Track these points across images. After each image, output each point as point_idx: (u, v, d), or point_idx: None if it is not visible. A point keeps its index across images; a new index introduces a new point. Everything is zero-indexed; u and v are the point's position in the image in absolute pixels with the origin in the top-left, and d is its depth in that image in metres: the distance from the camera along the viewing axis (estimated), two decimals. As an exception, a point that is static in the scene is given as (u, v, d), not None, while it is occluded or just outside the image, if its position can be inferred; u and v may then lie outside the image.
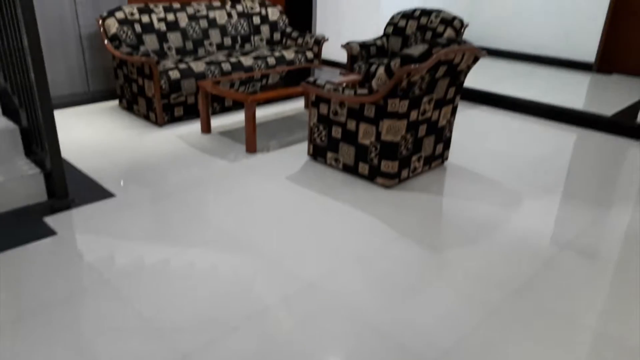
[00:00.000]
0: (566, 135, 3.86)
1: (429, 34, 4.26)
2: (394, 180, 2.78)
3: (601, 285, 1.99)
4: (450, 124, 3.03)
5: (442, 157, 3.12)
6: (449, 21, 4.17)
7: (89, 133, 3.58)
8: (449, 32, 4.12)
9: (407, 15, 4.46)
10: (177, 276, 1.96)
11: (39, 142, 2.51)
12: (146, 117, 3.84)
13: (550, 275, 2.05)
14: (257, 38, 4.76)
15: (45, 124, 2.33)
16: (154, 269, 2.00)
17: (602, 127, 3.95)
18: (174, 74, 3.67)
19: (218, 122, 3.91)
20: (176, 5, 4.27)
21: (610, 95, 4.75)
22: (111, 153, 3.23)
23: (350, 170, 2.94)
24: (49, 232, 2.25)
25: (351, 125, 2.83)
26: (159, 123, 3.72)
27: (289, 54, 4.46)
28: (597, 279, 2.03)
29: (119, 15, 3.91)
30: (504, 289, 1.94)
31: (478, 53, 2.74)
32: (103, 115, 4.00)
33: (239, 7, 4.66)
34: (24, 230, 2.26)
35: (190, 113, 3.89)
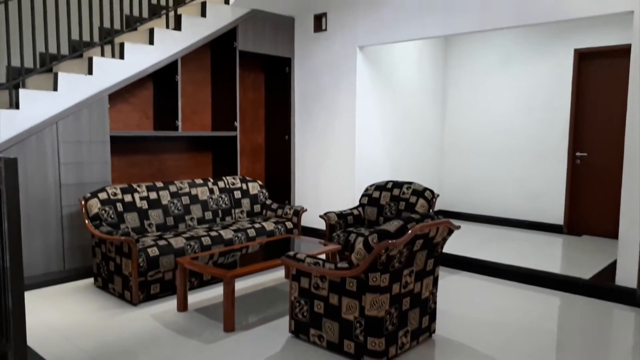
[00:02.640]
0: (548, 300, 3.84)
1: (402, 204, 4.45)
2: (381, 359, 2.64)
3: None
4: (433, 295, 3.00)
5: (429, 330, 3.02)
6: (420, 192, 4.40)
7: (59, 316, 3.41)
8: (421, 202, 4.32)
9: (380, 187, 4.70)
10: None
11: (4, 333, 2.36)
12: (121, 296, 3.72)
13: None
14: (237, 211, 4.89)
15: (13, 316, 2.22)
16: None
17: (581, 290, 3.96)
18: (153, 251, 3.66)
19: (196, 297, 3.80)
20: (159, 184, 4.44)
21: (584, 257, 4.86)
22: (81, 338, 3.04)
23: (335, 348, 2.80)
24: None
25: (333, 299, 2.77)
26: (134, 302, 3.59)
27: (269, 225, 4.55)
28: None
29: (102, 195, 4.02)
30: None
31: (452, 227, 2.84)
32: (77, 295, 3.86)
33: (221, 183, 4.87)
34: None
35: (167, 289, 3.79)
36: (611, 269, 4.24)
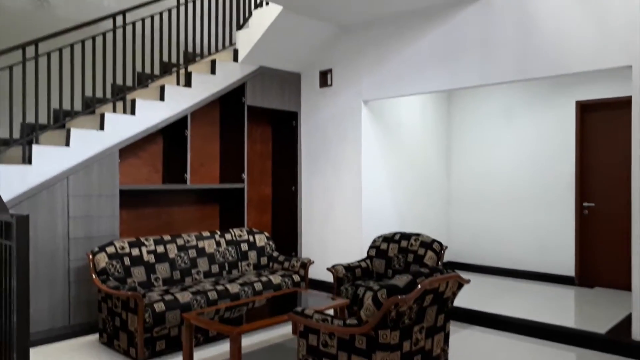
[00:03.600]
0: (565, 356, 3.73)
1: (410, 256, 4.41)
2: (392, 420, 2.55)
3: None
4: (445, 352, 2.93)
5: (441, 388, 2.93)
6: (429, 244, 4.37)
7: (61, 374, 3.34)
8: (430, 255, 4.28)
9: (388, 238, 4.68)
10: None
11: (6, 394, 2.31)
12: (126, 353, 3.65)
13: None
14: (244, 264, 4.86)
15: (16, 375, 2.18)
16: None
17: (598, 346, 3.85)
18: (159, 307, 3.62)
19: (202, 354, 3.72)
20: (167, 237, 4.45)
21: (598, 310, 4.75)
22: (83, 398, 2.96)
23: (344, 409, 2.71)
24: None
25: (343, 358, 2.71)
26: (139, 359, 3.52)
27: (276, 278, 4.51)
28: None
29: (110, 249, 4.02)
30: None
31: (462, 280, 2.81)
32: (81, 352, 3.79)
33: (228, 236, 4.87)
34: None
35: (173, 346, 3.72)
36: (627, 322, 4.13)
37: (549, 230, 6.06)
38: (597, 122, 5.76)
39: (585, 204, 5.82)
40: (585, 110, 5.83)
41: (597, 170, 5.76)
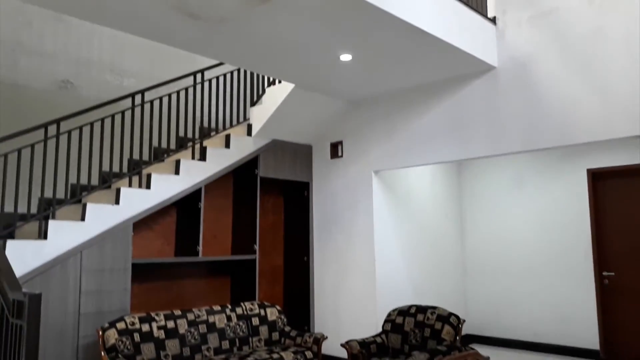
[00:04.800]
0: None
1: (427, 331, 4.28)
2: None
3: None
4: None
5: None
6: (446, 317, 4.25)
7: None
8: (447, 329, 4.15)
9: (404, 312, 4.56)
10: None
11: None
12: None
13: None
14: (255, 339, 4.74)
15: None
16: None
17: None
18: (168, 386, 3.51)
19: None
20: (177, 312, 4.39)
21: (627, 387, 4.50)
22: None
23: None
24: None
25: None
26: None
27: (288, 356, 4.37)
28: None
29: (120, 325, 3.96)
30: None
31: (480, 358, 2.70)
32: None
33: (239, 310, 4.79)
34: None
35: None
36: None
37: (569, 301, 5.87)
38: (610, 189, 5.74)
39: (604, 273, 5.67)
40: (597, 178, 5.83)
41: (615, 239, 5.66)
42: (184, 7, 3.36)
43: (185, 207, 5.19)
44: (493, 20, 4.71)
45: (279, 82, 5.41)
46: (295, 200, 6.23)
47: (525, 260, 6.30)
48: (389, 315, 4.66)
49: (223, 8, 3.39)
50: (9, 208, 4.20)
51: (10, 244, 3.77)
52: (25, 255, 3.84)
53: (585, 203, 5.84)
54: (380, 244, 5.48)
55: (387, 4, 3.51)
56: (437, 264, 6.42)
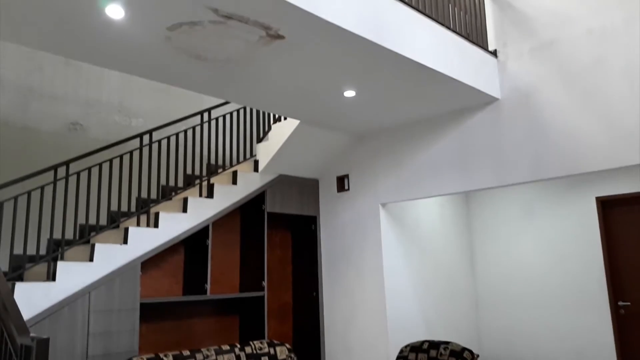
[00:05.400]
0: None
1: (440, 367, 4.18)
2: None
3: None
4: None
5: None
6: (459, 353, 4.16)
7: None
8: (461, 365, 4.06)
9: (416, 348, 4.47)
10: None
11: None
12: None
13: None
14: (265, 379, 4.64)
15: None
16: None
17: None
18: None
19: None
20: (186, 352, 4.32)
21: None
22: None
23: None
24: None
25: None
26: None
27: (299, 396, 4.27)
28: None
29: (129, 367, 3.91)
30: None
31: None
32: None
33: (248, 349, 4.71)
34: None
35: None
36: None
37: (584, 332, 5.74)
38: (621, 217, 5.68)
39: (620, 302, 5.56)
40: (607, 206, 5.78)
41: (628, 267, 5.57)
42: (190, 50, 3.45)
43: (192, 244, 5.18)
44: (494, 53, 4.78)
45: (285, 118, 5.48)
46: (303, 235, 6.21)
47: (538, 291, 6.20)
48: (401, 351, 4.57)
49: (229, 50, 3.48)
50: (18, 250, 4.22)
51: (19, 287, 3.76)
52: (33, 298, 3.83)
53: (596, 231, 5.78)
54: (390, 278, 5.42)
55: (389, 42, 3.58)
56: (449, 297, 6.32)
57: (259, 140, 5.89)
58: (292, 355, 4.95)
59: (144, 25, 3.14)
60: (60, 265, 4.03)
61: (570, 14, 4.38)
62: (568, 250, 5.98)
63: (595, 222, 5.80)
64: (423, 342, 4.50)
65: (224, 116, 5.59)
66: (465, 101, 4.75)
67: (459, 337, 6.30)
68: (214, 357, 4.45)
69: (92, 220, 4.79)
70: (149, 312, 4.80)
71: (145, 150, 4.94)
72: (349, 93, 4.36)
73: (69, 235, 4.71)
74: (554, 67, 4.43)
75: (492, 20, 4.88)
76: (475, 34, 4.65)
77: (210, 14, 3.00)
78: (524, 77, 4.60)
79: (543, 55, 4.50)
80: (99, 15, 2.99)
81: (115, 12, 2.95)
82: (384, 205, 5.56)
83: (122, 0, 2.84)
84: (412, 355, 4.44)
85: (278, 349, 4.91)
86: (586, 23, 4.27)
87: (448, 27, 4.25)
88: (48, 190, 4.33)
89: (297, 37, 3.35)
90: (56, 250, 4.23)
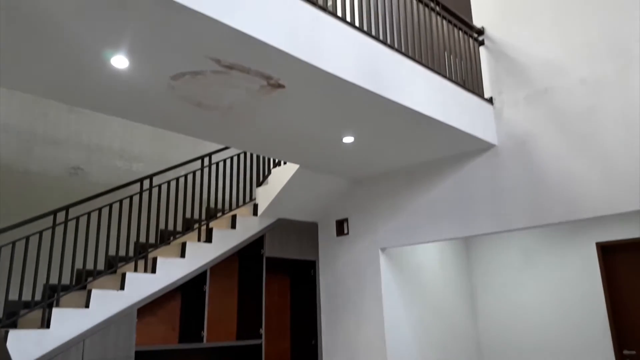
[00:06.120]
0: None
1: (443, 420, 4.05)
2: None
3: None
4: None
5: None
6: (461, 405, 4.03)
7: None
8: (464, 418, 3.93)
9: (417, 399, 4.35)
10: None
11: None
12: None
13: None
14: None
15: None
16: None
17: None
18: None
19: None
20: (181, 403, 4.20)
21: None
22: None
23: None
24: None
25: None
26: None
27: None
28: None
29: (121, 419, 3.78)
30: None
31: None
32: None
33: (245, 399, 4.58)
34: None
35: None
36: None
37: (591, 382, 5.59)
38: (622, 263, 5.64)
39: (625, 351, 5.44)
40: (607, 252, 5.75)
41: (632, 314, 5.48)
42: (193, 98, 3.52)
43: (190, 290, 5.11)
44: (490, 101, 4.87)
45: (284, 163, 5.53)
46: (301, 280, 6.14)
47: (540, 339, 6.07)
48: (402, 402, 4.44)
49: (231, 98, 3.55)
50: (13, 296, 4.16)
51: (12, 334, 3.69)
52: (26, 346, 3.75)
53: (598, 277, 5.72)
54: (390, 325, 5.32)
55: (387, 91, 3.67)
56: (451, 345, 6.19)
57: (259, 184, 5.91)
58: (290, 406, 4.80)
59: (148, 75, 3.21)
60: (56, 312, 3.97)
61: (563, 64, 4.49)
62: (570, 296, 5.90)
63: (596, 267, 5.75)
64: (424, 392, 4.38)
65: (224, 160, 5.64)
66: (463, 147, 4.80)
67: (461, 387, 6.13)
68: (209, 408, 4.31)
69: (90, 265, 4.75)
70: (144, 360, 4.68)
71: (145, 194, 4.96)
72: (348, 139, 4.42)
73: (66, 280, 4.65)
74: (550, 114, 4.51)
75: (488, 69, 5.00)
76: (472, 82, 4.76)
77: (212, 64, 3.09)
78: (520, 124, 4.68)
79: (538, 102, 4.59)
80: (104, 65, 3.07)
81: (120, 62, 3.03)
82: (383, 250, 5.53)
83: (127, 51, 2.93)
84: (413, 407, 4.31)
85: (275, 399, 4.76)
86: (579, 73, 4.38)
87: (444, 76, 4.36)
88: (46, 235, 4.31)
89: (298, 86, 3.43)
90: (52, 296, 4.17)
